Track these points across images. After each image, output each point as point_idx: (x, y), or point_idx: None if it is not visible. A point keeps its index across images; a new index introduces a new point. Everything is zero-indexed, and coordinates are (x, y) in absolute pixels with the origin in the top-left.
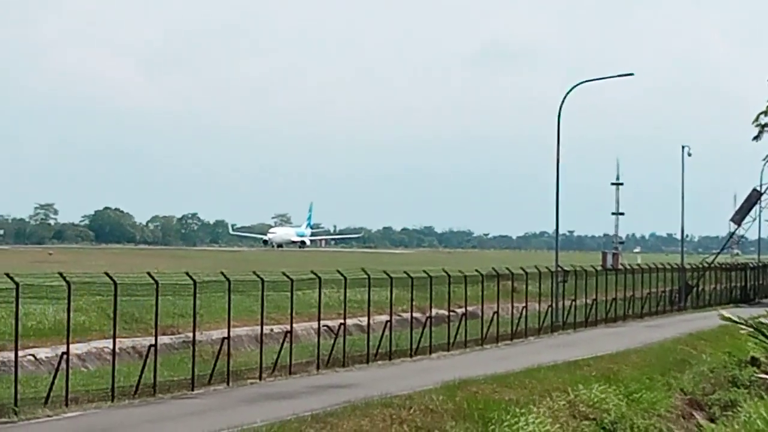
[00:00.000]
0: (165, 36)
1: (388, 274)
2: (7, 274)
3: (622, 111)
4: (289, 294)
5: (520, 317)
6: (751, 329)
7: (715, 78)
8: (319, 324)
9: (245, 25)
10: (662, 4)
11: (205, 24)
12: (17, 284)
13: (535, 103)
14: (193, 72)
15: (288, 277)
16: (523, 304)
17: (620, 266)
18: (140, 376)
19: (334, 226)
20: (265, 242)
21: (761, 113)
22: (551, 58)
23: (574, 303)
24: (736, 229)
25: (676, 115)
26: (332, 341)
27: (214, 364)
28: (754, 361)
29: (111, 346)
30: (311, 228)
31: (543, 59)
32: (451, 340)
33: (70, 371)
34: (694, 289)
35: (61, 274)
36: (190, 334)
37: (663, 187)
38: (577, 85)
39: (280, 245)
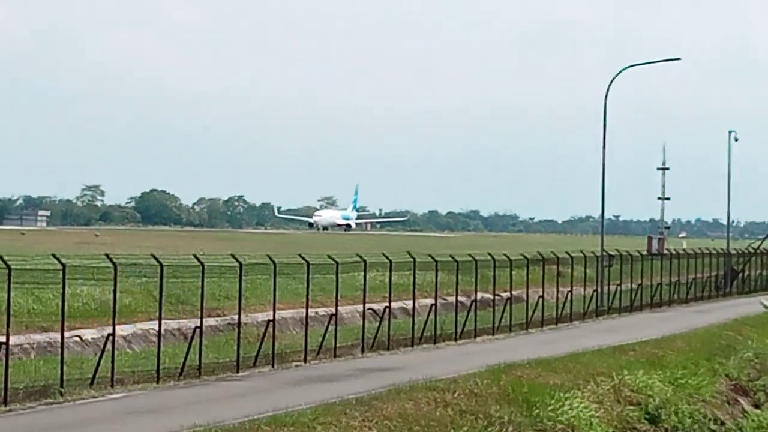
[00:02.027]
0: (209, 16)
1: (433, 258)
2: (54, 255)
3: (669, 94)
4: (334, 277)
5: (565, 302)
6: None
7: (764, 61)
8: (364, 307)
9: (291, 7)
10: None
11: (250, 5)
12: (64, 265)
13: (581, 86)
14: (239, 53)
15: (333, 260)
16: (568, 289)
17: (666, 251)
18: (185, 358)
19: (380, 210)
20: (311, 225)
21: None
22: (597, 40)
23: (619, 288)
24: None
25: (723, 99)
26: (377, 324)
27: (259, 347)
28: None
29: (156, 328)
30: (357, 211)
31: (589, 40)
32: (496, 324)
33: (116, 352)
34: (740, 274)
35: (107, 255)
36: (236, 317)
37: (709, 172)
38: (624, 69)
39: (325, 228)
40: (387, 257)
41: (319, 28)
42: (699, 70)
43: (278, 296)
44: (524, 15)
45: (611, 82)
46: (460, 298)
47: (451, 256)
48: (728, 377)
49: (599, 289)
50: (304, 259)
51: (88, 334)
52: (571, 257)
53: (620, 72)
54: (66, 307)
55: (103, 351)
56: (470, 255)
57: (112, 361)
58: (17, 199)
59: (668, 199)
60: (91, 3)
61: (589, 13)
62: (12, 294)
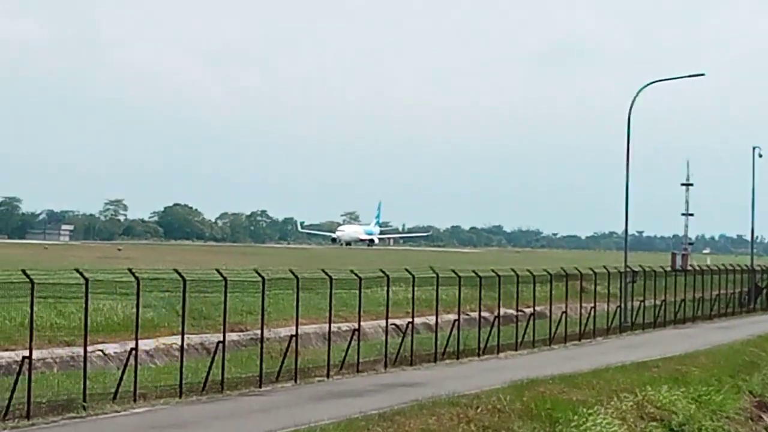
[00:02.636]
0: (230, 33)
1: (456, 273)
2: (77, 270)
3: (693, 110)
4: (357, 292)
5: (588, 317)
6: None
7: None
8: (387, 322)
9: (310, 21)
10: (731, 2)
11: (271, 21)
12: (87, 280)
13: (605, 101)
14: (260, 69)
15: (356, 275)
16: (592, 305)
17: (689, 267)
18: (208, 373)
19: (403, 225)
20: (334, 240)
21: None
22: (619, 57)
23: (642, 304)
24: None
25: (747, 115)
26: (400, 340)
27: (282, 362)
28: None
29: (179, 343)
30: (380, 226)
31: (611, 57)
32: (519, 340)
33: (139, 367)
34: (764, 290)
35: (130, 270)
36: (258, 331)
37: (733, 189)
38: (648, 85)
39: (348, 243)
40: (410, 272)
41: (339, 41)
42: (723, 85)
43: (301, 311)
44: (549, 29)
45: (635, 97)
46: (483, 314)
47: (474, 271)
48: (752, 394)
49: (623, 305)
50: (326, 274)
51: (111, 348)
52: (595, 273)
53: (644, 87)
54: (89, 321)
55: (125, 365)
56: (493, 270)
57: (135, 376)
58: (40, 214)
59: (692, 215)
60: (115, 21)
61: (613, 28)
62: (35, 308)
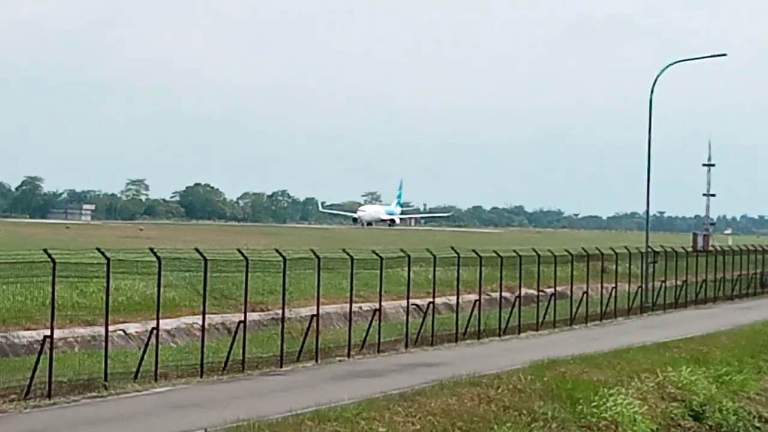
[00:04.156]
0: (254, 8)
1: (477, 253)
2: (99, 249)
3: (715, 90)
4: (378, 272)
5: (609, 298)
6: None
7: None
8: (407, 302)
9: (333, 2)
10: None
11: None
12: (108, 259)
13: (626, 81)
14: (282, 48)
15: (377, 255)
16: (613, 285)
17: (711, 248)
18: (229, 353)
19: (424, 205)
20: (355, 220)
21: None
22: (641, 34)
23: (664, 284)
24: None
25: None
26: (421, 320)
27: (303, 342)
28: None
29: (200, 322)
30: (401, 206)
31: (634, 35)
32: (540, 320)
33: (160, 346)
34: None
35: (151, 249)
36: (279, 311)
37: (755, 169)
38: (670, 65)
39: (369, 223)
40: (431, 252)
41: (363, 23)
42: (746, 65)
43: (322, 291)
44: (568, 9)
45: (657, 77)
46: (504, 294)
47: (495, 251)
48: None
49: (644, 286)
50: (348, 254)
51: (132, 328)
52: (616, 253)
53: (666, 68)
54: (110, 300)
55: (147, 345)
56: (514, 251)
57: (156, 355)
58: (62, 193)
59: (714, 195)
60: None
61: (634, 7)
62: (57, 287)
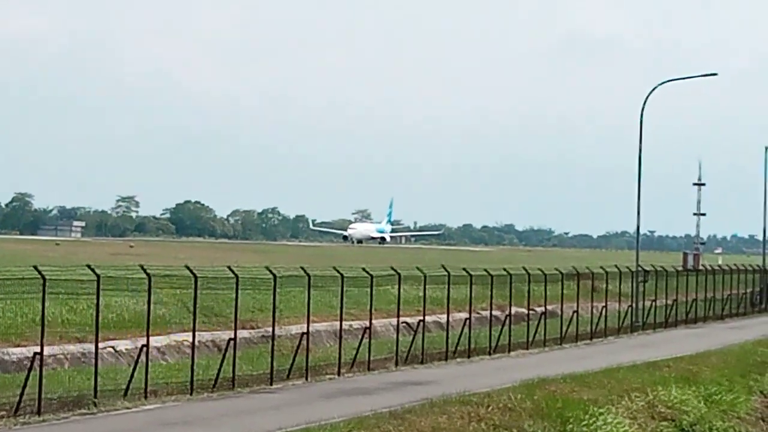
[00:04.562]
0: (242, 28)
1: (467, 272)
2: (89, 266)
3: (706, 109)
4: (368, 290)
5: (599, 317)
6: None
7: None
8: (398, 320)
9: (325, 18)
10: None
11: (284, 16)
12: (98, 276)
13: (617, 100)
14: (273, 65)
15: (368, 272)
16: (603, 304)
17: (701, 267)
18: (219, 370)
19: (415, 223)
20: (345, 238)
21: None
22: (632, 53)
23: (654, 303)
24: None
25: (760, 114)
26: (411, 338)
27: (293, 359)
28: None
29: (190, 339)
30: (391, 224)
31: (623, 54)
32: (530, 339)
33: (150, 364)
34: None
35: (142, 266)
36: (269, 329)
37: (745, 189)
38: (660, 84)
39: (359, 241)
40: (421, 271)
41: (350, 40)
42: (736, 84)
43: (312, 309)
44: (559, 27)
45: (647, 96)
46: (494, 313)
47: (485, 270)
48: (763, 394)
49: (634, 305)
50: (338, 271)
51: (122, 345)
52: (606, 272)
53: (656, 87)
54: (100, 317)
55: (137, 362)
56: (505, 269)
57: (146, 373)
58: (52, 210)
59: (704, 214)
60: (125, 15)
61: (625, 26)
62: (46, 304)
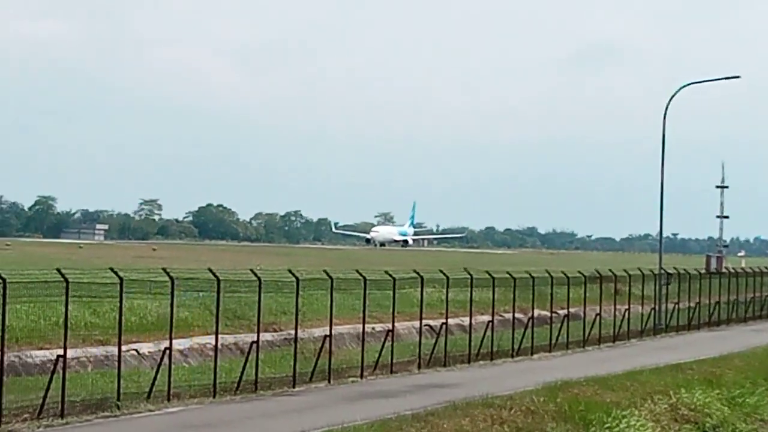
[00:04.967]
0: (265, 35)
1: (490, 275)
2: (112, 269)
3: (728, 112)
4: (391, 293)
5: (622, 319)
6: None
7: None
8: (420, 323)
9: (342, 25)
10: (764, 1)
11: (305, 23)
12: (121, 279)
13: (641, 104)
14: (295, 70)
15: (390, 275)
16: (626, 307)
17: (724, 270)
18: (242, 373)
19: (437, 226)
20: (368, 241)
21: None
22: (652, 59)
23: (677, 306)
24: None
25: None
26: (434, 341)
27: (316, 362)
28: None
29: (213, 342)
30: (414, 227)
31: (644, 59)
32: (553, 342)
33: (173, 366)
34: None
35: (164, 269)
36: (292, 332)
37: None
38: (683, 87)
39: (382, 244)
40: (444, 273)
41: (370, 48)
42: (758, 87)
43: (335, 312)
44: (582, 34)
45: (670, 100)
46: (517, 315)
47: (508, 273)
48: None
49: (657, 307)
50: (360, 274)
51: (145, 347)
52: (629, 275)
53: (679, 90)
54: (123, 320)
55: (159, 365)
56: (527, 272)
57: (169, 375)
58: (75, 213)
59: (727, 217)
60: (151, 20)
61: (646, 31)
62: (70, 307)
